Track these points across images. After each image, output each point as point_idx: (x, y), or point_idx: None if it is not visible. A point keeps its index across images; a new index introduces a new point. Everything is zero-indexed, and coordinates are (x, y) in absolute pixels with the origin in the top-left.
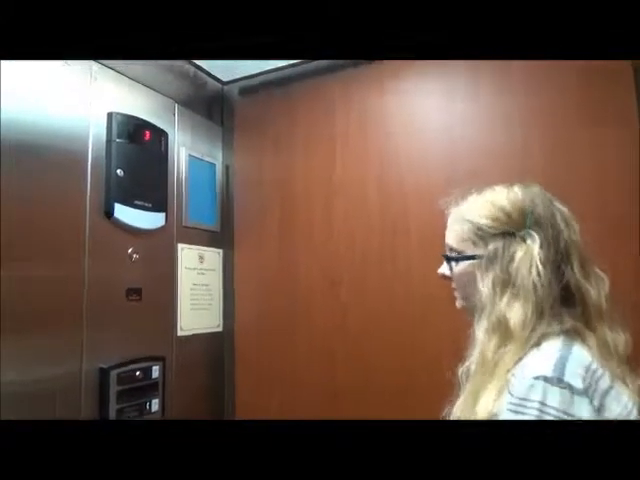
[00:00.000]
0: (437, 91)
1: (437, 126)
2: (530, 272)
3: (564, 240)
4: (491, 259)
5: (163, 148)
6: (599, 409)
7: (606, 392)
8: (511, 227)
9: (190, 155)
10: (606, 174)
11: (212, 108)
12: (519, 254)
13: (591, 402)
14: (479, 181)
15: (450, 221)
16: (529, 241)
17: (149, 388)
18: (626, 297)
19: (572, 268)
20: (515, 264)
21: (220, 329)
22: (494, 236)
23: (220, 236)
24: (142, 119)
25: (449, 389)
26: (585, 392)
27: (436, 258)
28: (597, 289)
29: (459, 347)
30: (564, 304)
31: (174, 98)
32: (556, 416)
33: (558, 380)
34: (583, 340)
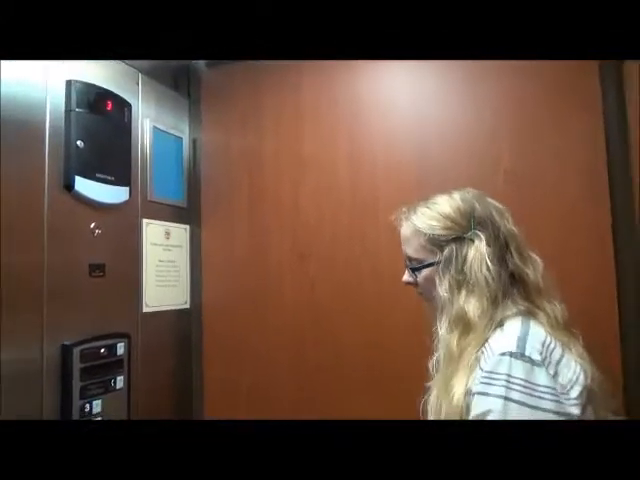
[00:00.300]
0: (407, 69)
1: (407, 104)
2: (481, 269)
3: (502, 233)
4: (447, 263)
5: (126, 119)
6: (554, 376)
7: (558, 361)
8: (459, 232)
9: (155, 127)
10: (568, 158)
11: (178, 79)
12: (470, 254)
13: (547, 371)
14: (449, 160)
15: (405, 234)
16: (477, 241)
17: (114, 365)
18: (583, 268)
19: (512, 256)
20: (468, 264)
21: (187, 306)
22: (447, 242)
23: (187, 212)
24: (103, 88)
25: (415, 364)
26: (542, 363)
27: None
28: (534, 270)
29: (425, 323)
30: (513, 286)
31: (137, 67)
32: (520, 384)
33: (521, 355)
34: (536, 318)
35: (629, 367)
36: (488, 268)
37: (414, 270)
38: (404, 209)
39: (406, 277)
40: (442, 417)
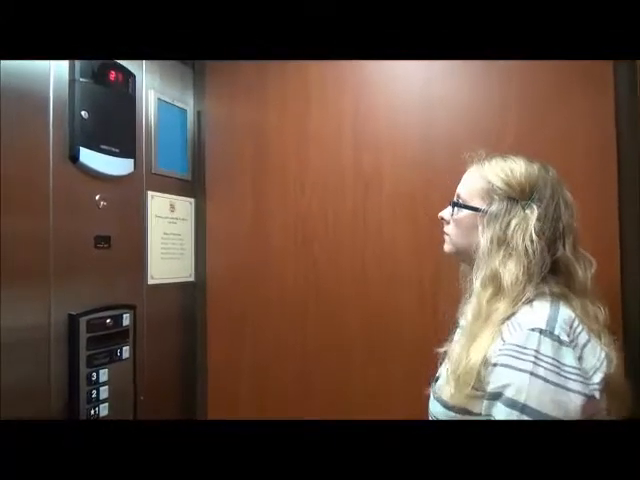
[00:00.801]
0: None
1: (412, 82)
2: (524, 237)
3: (562, 222)
4: (492, 217)
5: (130, 90)
6: (579, 359)
7: (584, 345)
8: (517, 195)
9: (159, 99)
10: (576, 140)
11: None
12: (515, 220)
13: (574, 352)
14: (454, 138)
15: (468, 174)
16: (527, 211)
17: (119, 335)
18: (586, 248)
19: (564, 246)
20: (511, 228)
21: (192, 279)
22: (500, 198)
23: (191, 185)
24: None
25: (419, 344)
26: (569, 344)
27: (405, 219)
28: (584, 269)
29: (425, 305)
30: (554, 274)
31: None
32: (548, 362)
33: (550, 333)
34: (568, 302)
35: (633, 355)
36: (532, 239)
37: (456, 206)
38: (481, 151)
39: (444, 212)
40: (456, 374)
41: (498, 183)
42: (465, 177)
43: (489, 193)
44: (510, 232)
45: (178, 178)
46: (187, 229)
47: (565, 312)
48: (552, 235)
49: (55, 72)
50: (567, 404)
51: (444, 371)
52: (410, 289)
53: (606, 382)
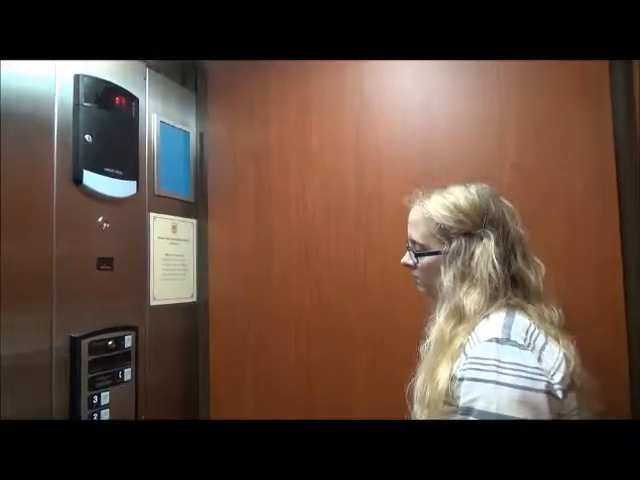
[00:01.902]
0: (413, 62)
1: (412, 97)
2: (487, 266)
3: (511, 234)
4: (454, 255)
5: (133, 114)
6: (538, 360)
7: (542, 348)
8: (471, 227)
9: (162, 122)
10: (575, 151)
11: (185, 73)
12: (478, 251)
13: (533, 354)
14: (454, 154)
15: (414, 217)
16: (485, 239)
17: (121, 357)
18: (589, 259)
19: (516, 258)
20: (475, 260)
21: (194, 299)
22: (457, 235)
23: (194, 206)
24: (111, 82)
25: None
26: (527, 347)
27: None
28: (536, 275)
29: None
30: (512, 288)
31: (145, 62)
32: (510, 368)
33: (507, 340)
34: (524, 310)
35: (637, 364)
36: (494, 266)
37: (417, 255)
38: (419, 192)
39: (406, 259)
40: (426, 402)
41: (449, 223)
42: (412, 220)
43: (444, 234)
44: (474, 265)
45: (180, 199)
46: (189, 250)
47: (520, 319)
48: (506, 251)
49: (60, 96)
50: (538, 405)
51: (418, 389)
52: (412, 303)
53: (572, 381)
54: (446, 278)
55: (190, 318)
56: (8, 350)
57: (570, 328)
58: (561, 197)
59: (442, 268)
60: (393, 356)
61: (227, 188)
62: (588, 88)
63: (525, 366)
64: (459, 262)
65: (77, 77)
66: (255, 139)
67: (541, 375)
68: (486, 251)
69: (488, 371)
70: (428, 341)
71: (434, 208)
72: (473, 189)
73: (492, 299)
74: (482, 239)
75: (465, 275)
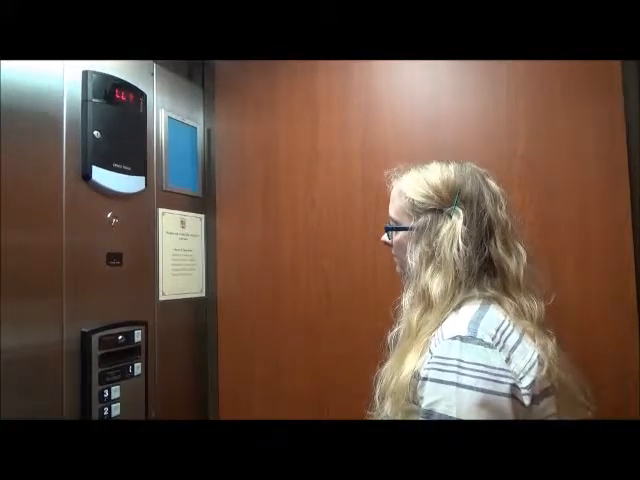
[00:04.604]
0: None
1: (422, 95)
2: (451, 247)
3: (488, 216)
4: (420, 232)
5: (141, 109)
6: (507, 360)
7: (513, 348)
8: (440, 204)
9: (170, 117)
10: (585, 144)
11: (192, 69)
12: (444, 229)
13: (501, 354)
14: (464, 151)
15: (392, 193)
16: (454, 217)
17: (131, 352)
18: (601, 256)
19: (495, 243)
20: (439, 239)
21: (203, 294)
22: (425, 211)
23: (202, 201)
24: (119, 78)
25: None
26: (495, 346)
27: None
28: (516, 262)
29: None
30: (486, 274)
31: None
32: (472, 369)
33: (472, 338)
34: (500, 304)
35: None
36: (458, 247)
37: (388, 230)
38: (399, 167)
39: (384, 236)
40: (389, 390)
41: (417, 197)
42: (391, 196)
43: (413, 209)
44: (438, 244)
45: (188, 195)
46: (198, 245)
47: (493, 314)
48: (479, 234)
49: (68, 93)
50: (501, 409)
51: (385, 376)
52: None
53: (550, 385)
54: (412, 258)
55: (199, 313)
56: (20, 345)
57: (581, 322)
58: (573, 190)
59: (408, 246)
60: None
61: (235, 184)
62: (599, 79)
63: (488, 367)
64: (424, 240)
65: (85, 73)
66: (263, 135)
67: (506, 377)
68: (452, 230)
69: (449, 372)
70: (396, 329)
71: (406, 182)
72: (452, 166)
73: (459, 284)
74: (450, 217)
75: (429, 256)
